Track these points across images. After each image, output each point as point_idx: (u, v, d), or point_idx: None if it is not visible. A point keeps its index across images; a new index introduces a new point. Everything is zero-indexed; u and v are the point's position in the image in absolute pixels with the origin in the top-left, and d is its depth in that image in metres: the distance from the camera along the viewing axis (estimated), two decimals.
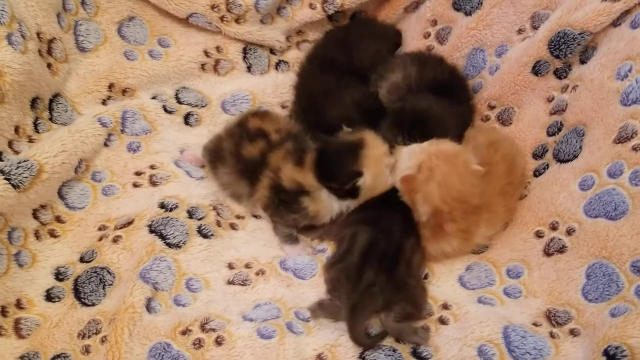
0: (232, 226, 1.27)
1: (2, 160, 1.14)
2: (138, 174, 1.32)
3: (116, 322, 1.01)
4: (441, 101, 1.28)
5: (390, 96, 1.37)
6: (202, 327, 1.04)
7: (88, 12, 1.40)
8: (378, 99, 1.38)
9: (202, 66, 1.50)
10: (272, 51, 1.55)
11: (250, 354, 1.00)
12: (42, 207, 1.19)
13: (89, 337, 1.05)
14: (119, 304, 1.04)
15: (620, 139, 1.09)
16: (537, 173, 1.26)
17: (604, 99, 1.14)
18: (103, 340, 1.03)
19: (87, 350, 1.03)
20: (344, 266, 1.10)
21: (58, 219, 1.21)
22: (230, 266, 1.18)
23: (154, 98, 1.45)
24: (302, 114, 1.41)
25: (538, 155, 1.28)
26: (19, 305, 1.10)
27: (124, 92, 1.43)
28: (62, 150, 1.19)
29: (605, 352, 0.92)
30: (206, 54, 1.50)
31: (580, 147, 1.17)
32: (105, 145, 1.33)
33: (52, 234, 1.20)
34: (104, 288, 1.12)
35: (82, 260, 1.17)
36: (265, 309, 1.10)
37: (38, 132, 1.25)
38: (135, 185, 1.30)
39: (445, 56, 1.45)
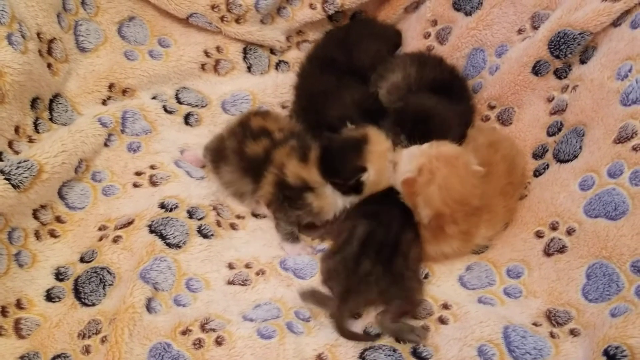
0: (232, 226, 1.27)
1: (2, 161, 1.14)
2: (138, 174, 1.32)
3: (116, 322, 1.01)
4: (443, 100, 1.29)
5: (390, 96, 1.37)
6: (202, 327, 1.04)
7: (88, 12, 1.40)
8: (378, 99, 1.38)
9: (202, 66, 1.50)
10: (272, 51, 1.56)
11: (251, 354, 1.00)
12: (42, 207, 1.19)
13: (89, 337, 1.05)
14: (119, 304, 1.04)
15: (620, 139, 1.09)
16: (537, 173, 1.26)
17: (604, 99, 1.14)
18: (103, 340, 1.03)
19: (87, 350, 1.03)
20: (342, 256, 1.11)
21: (58, 219, 1.21)
22: (231, 266, 1.18)
23: (154, 98, 1.45)
24: (303, 114, 1.41)
25: (538, 155, 1.28)
26: (19, 305, 1.10)
27: (124, 92, 1.43)
28: (62, 150, 1.19)
29: (606, 352, 0.92)
30: (206, 54, 1.50)
31: (580, 147, 1.17)
32: (106, 145, 1.33)
33: (52, 234, 1.20)
34: (104, 288, 1.12)
35: (82, 260, 1.17)
36: (265, 309, 1.10)
37: (38, 132, 1.25)
38: (135, 185, 1.30)
39: (446, 56, 1.45)
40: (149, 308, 1.05)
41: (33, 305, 1.10)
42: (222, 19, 1.44)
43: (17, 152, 1.18)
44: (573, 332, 1.03)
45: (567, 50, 1.21)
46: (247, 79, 1.53)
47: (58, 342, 1.05)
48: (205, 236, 1.21)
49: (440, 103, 1.28)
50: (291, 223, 1.23)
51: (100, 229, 1.22)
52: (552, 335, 1.03)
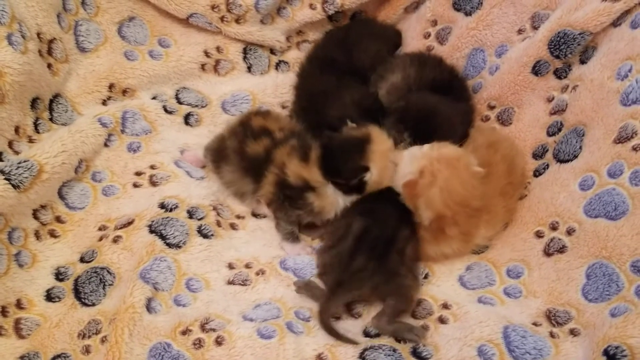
0: (232, 226, 1.27)
1: (2, 161, 1.14)
2: (138, 174, 1.32)
3: (116, 322, 1.01)
4: (444, 99, 1.28)
5: (389, 97, 1.37)
6: (202, 327, 1.04)
7: (88, 12, 1.40)
8: (378, 99, 1.38)
9: (202, 66, 1.50)
10: (272, 51, 1.56)
11: (250, 354, 1.00)
12: (42, 207, 1.19)
13: (89, 337, 1.05)
14: (119, 304, 1.04)
15: (620, 139, 1.09)
16: (537, 173, 1.26)
17: (604, 99, 1.14)
18: (103, 340, 1.03)
19: (87, 350, 1.03)
20: (337, 251, 1.11)
21: (58, 219, 1.22)
22: (231, 266, 1.18)
23: (154, 98, 1.45)
24: (303, 114, 1.41)
25: (538, 155, 1.28)
26: (19, 305, 1.10)
27: (124, 92, 1.43)
28: (62, 150, 1.19)
29: (605, 352, 0.92)
30: (206, 54, 1.50)
31: (580, 147, 1.17)
32: (106, 145, 1.33)
33: (52, 234, 1.20)
34: (104, 288, 1.12)
35: (82, 260, 1.17)
36: (265, 308, 1.10)
37: (38, 132, 1.25)
38: (135, 185, 1.30)
39: (446, 56, 1.45)
40: (149, 308, 1.05)
41: (33, 305, 1.11)
42: (222, 19, 1.45)
43: (17, 152, 1.18)
44: (573, 332, 1.03)
45: (567, 50, 1.21)
46: (247, 79, 1.53)
47: (58, 342, 1.05)
48: (205, 236, 1.21)
49: (443, 101, 1.28)
50: (291, 223, 1.23)
51: (100, 229, 1.22)
52: (552, 335, 1.03)
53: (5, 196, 1.08)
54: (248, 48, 1.52)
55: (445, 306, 1.10)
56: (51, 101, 1.29)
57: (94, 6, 1.40)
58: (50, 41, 1.28)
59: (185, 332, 1.03)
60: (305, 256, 1.22)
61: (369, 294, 1.09)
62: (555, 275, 1.11)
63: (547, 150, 1.26)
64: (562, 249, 1.13)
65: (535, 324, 1.06)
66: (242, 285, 1.15)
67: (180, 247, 1.17)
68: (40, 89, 1.24)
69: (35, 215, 1.18)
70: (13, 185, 1.09)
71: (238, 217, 1.30)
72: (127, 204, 1.26)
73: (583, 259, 1.09)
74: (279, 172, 1.21)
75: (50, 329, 1.07)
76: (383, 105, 1.36)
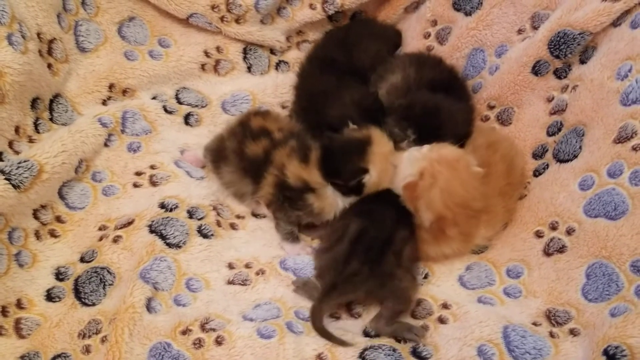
0: (232, 226, 1.27)
1: (2, 161, 1.14)
2: (138, 174, 1.32)
3: (116, 322, 1.01)
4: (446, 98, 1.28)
5: (389, 97, 1.37)
6: (202, 327, 1.04)
7: (88, 12, 1.40)
8: (378, 99, 1.38)
9: (202, 66, 1.50)
10: (272, 51, 1.56)
11: (250, 353, 1.00)
12: (43, 207, 1.19)
13: (89, 337, 1.05)
14: (119, 303, 1.04)
15: (620, 139, 1.09)
16: (537, 173, 1.26)
17: (604, 99, 1.14)
18: (103, 340, 1.03)
19: (87, 350, 1.03)
20: (332, 255, 1.11)
21: (58, 219, 1.22)
22: (230, 266, 1.18)
23: (154, 98, 1.45)
24: (302, 114, 1.41)
25: (538, 155, 1.28)
26: (19, 305, 1.10)
27: (124, 92, 1.43)
28: (62, 150, 1.20)
29: (605, 352, 0.92)
30: (206, 54, 1.50)
31: (580, 147, 1.17)
32: (106, 145, 1.33)
33: (53, 234, 1.20)
34: (104, 288, 1.12)
35: (82, 260, 1.17)
36: (265, 308, 1.10)
37: (38, 132, 1.25)
38: (135, 185, 1.30)
39: (445, 56, 1.45)
40: (149, 308, 1.05)
41: (33, 305, 1.11)
42: (222, 19, 1.45)
43: (17, 152, 1.18)
44: (573, 332, 1.04)
45: (567, 50, 1.21)
46: (247, 79, 1.53)
47: (58, 342, 1.05)
48: (205, 236, 1.21)
49: (445, 99, 1.27)
50: (291, 223, 1.23)
51: (100, 229, 1.22)
52: (551, 335, 1.03)
53: (5, 196, 1.08)
54: (248, 48, 1.52)
55: (445, 306, 1.10)
56: (51, 101, 1.29)
57: (94, 6, 1.40)
58: (51, 41, 1.28)
59: (185, 332, 1.03)
60: (305, 256, 1.22)
61: (364, 297, 1.09)
62: (555, 275, 1.11)
63: (547, 150, 1.26)
64: (561, 249, 1.13)
65: (535, 323, 1.06)
66: (242, 285, 1.15)
67: (180, 247, 1.17)
68: (40, 89, 1.24)
69: (35, 215, 1.18)
70: (13, 185, 1.09)
71: (238, 217, 1.30)
72: (127, 204, 1.26)
73: (583, 258, 1.09)
74: (278, 173, 1.20)
75: (51, 328, 1.07)
76: (383, 105, 1.36)
